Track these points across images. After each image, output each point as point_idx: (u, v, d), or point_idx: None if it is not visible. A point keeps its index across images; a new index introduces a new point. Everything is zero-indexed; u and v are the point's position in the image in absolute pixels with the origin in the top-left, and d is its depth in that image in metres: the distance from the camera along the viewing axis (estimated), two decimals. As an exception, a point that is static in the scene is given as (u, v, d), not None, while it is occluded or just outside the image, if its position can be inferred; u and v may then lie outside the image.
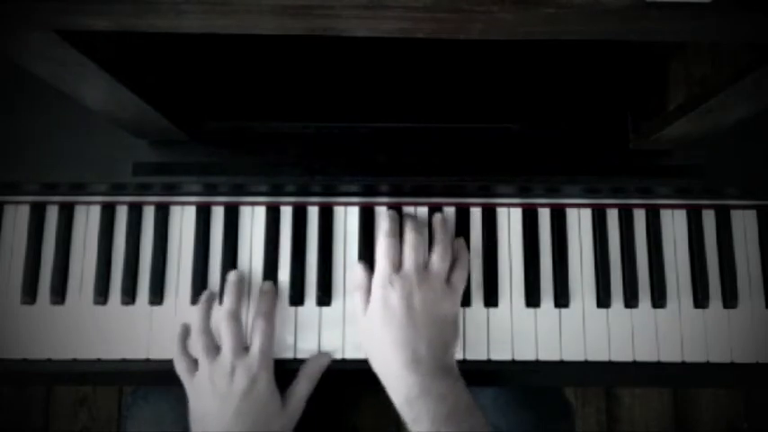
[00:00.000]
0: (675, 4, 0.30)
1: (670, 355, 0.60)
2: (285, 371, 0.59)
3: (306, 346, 0.60)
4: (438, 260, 0.58)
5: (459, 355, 0.59)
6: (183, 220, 0.62)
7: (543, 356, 0.60)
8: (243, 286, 0.60)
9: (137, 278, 0.61)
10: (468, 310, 0.61)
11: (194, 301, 0.60)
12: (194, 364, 0.58)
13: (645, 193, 0.60)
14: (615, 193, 0.60)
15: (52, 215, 0.62)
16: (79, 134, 0.56)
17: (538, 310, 0.61)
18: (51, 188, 0.59)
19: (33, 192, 0.60)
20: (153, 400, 0.66)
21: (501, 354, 0.60)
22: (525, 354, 0.60)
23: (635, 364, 0.60)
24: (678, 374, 0.61)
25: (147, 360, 0.60)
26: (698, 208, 0.63)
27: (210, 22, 0.32)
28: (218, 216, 0.62)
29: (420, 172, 0.57)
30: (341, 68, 0.59)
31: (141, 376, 0.61)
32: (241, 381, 0.55)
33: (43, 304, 0.61)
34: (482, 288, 0.61)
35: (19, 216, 0.62)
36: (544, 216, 0.63)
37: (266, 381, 0.56)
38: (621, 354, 0.60)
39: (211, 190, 0.59)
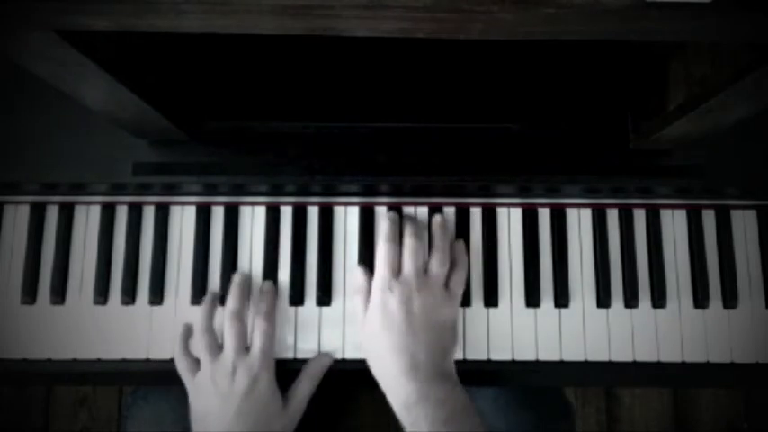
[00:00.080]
0: (675, 4, 0.30)
1: (670, 355, 0.60)
2: (286, 371, 0.59)
3: (306, 346, 0.60)
4: (437, 265, 0.58)
5: (459, 355, 0.59)
6: (183, 220, 0.62)
7: (543, 356, 0.60)
8: (247, 287, 0.60)
9: (137, 278, 0.61)
10: (468, 310, 0.61)
11: (194, 301, 0.60)
12: (196, 363, 0.58)
13: (645, 193, 0.60)
14: (615, 193, 0.60)
15: (52, 215, 0.62)
16: (79, 134, 0.56)
17: (538, 310, 0.61)
18: (51, 188, 0.59)
19: (33, 192, 0.60)
20: (153, 400, 0.66)
21: (501, 354, 0.60)
22: (525, 354, 0.60)
23: (635, 364, 0.60)
24: (678, 374, 0.61)
25: (147, 360, 0.60)
26: (698, 208, 0.63)
27: (210, 22, 0.32)
28: (218, 216, 0.62)
29: (420, 172, 0.57)
30: (341, 68, 0.59)
31: (141, 376, 0.61)
32: (242, 380, 0.55)
33: (43, 304, 0.61)
34: (482, 288, 0.61)
35: (19, 216, 0.62)
36: (544, 216, 0.63)
37: (267, 381, 0.56)
38: (621, 354, 0.60)
39: (211, 190, 0.59)
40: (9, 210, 0.62)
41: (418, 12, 0.30)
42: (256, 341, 0.57)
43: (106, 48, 0.39)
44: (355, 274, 0.61)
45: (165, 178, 0.57)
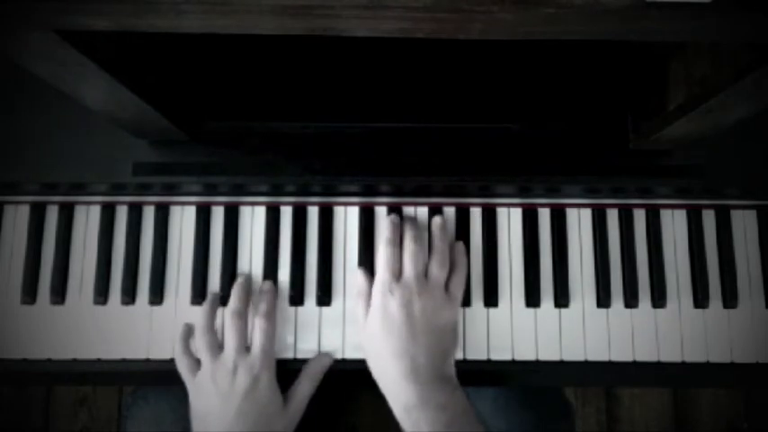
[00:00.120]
0: (675, 4, 0.30)
1: (670, 355, 0.60)
2: (286, 371, 0.59)
3: (306, 346, 0.60)
4: (437, 268, 0.58)
5: (459, 355, 0.59)
6: (183, 220, 0.62)
7: (543, 356, 0.60)
8: (249, 287, 0.60)
9: (137, 278, 0.61)
10: (468, 310, 0.61)
11: (194, 301, 0.60)
12: (196, 363, 0.58)
13: (645, 193, 0.60)
14: (615, 193, 0.60)
15: (52, 215, 0.62)
16: (79, 134, 0.56)
17: (538, 310, 0.61)
18: (51, 188, 0.59)
19: (33, 192, 0.60)
20: (153, 400, 0.66)
21: (501, 354, 0.60)
22: (525, 354, 0.60)
23: (635, 364, 0.60)
24: (678, 374, 0.61)
25: (147, 360, 0.60)
26: (698, 208, 0.63)
27: (210, 22, 0.32)
28: (218, 216, 0.62)
29: (420, 172, 0.57)
30: (341, 68, 0.59)
31: (141, 376, 0.61)
32: (243, 380, 0.55)
33: (43, 304, 0.61)
34: (482, 288, 0.61)
35: (19, 216, 0.62)
36: (544, 216, 0.63)
37: (268, 380, 0.56)
38: (621, 354, 0.60)
39: (211, 190, 0.59)
40: (9, 210, 0.62)
41: (418, 12, 0.30)
42: (257, 341, 0.57)
43: (106, 48, 0.39)
44: (356, 276, 0.61)
45: (165, 178, 0.57)
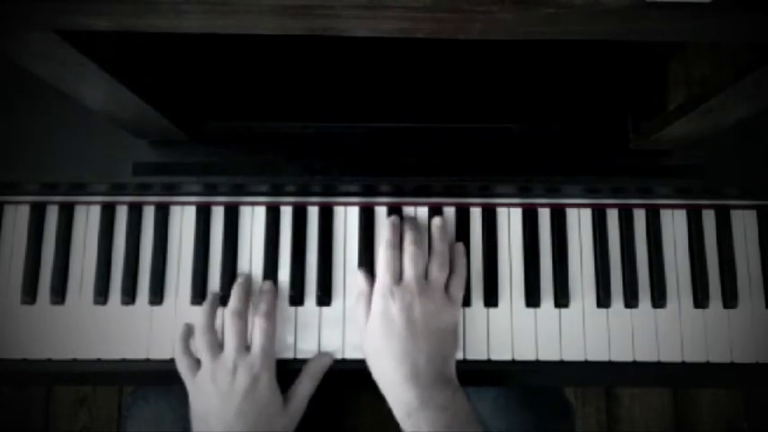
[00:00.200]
0: (675, 4, 0.30)
1: (670, 355, 0.60)
2: (286, 371, 0.59)
3: (306, 346, 0.60)
4: (437, 270, 0.58)
5: (459, 356, 0.59)
6: (183, 220, 0.62)
7: (543, 356, 0.60)
8: (249, 288, 0.60)
9: (137, 278, 0.61)
10: (468, 310, 0.61)
11: (194, 301, 0.60)
12: (196, 363, 0.58)
13: (645, 193, 0.60)
14: (615, 193, 0.60)
15: (52, 215, 0.62)
16: (79, 134, 0.56)
17: (538, 310, 0.61)
18: (51, 188, 0.59)
19: (33, 192, 0.60)
20: (153, 400, 0.66)
21: (501, 354, 0.60)
22: (525, 354, 0.60)
23: (635, 364, 0.60)
24: (678, 374, 0.61)
25: (147, 360, 0.60)
26: (698, 208, 0.63)
27: (210, 22, 0.32)
28: (218, 216, 0.62)
29: (420, 172, 0.57)
30: (341, 68, 0.59)
31: (141, 376, 0.61)
32: (243, 380, 0.55)
33: (43, 304, 0.61)
34: (482, 288, 0.61)
35: (19, 216, 0.62)
36: (544, 216, 0.63)
37: (268, 380, 0.56)
38: (621, 354, 0.60)
39: (211, 190, 0.59)
40: (9, 210, 0.62)
41: (418, 12, 0.30)
42: (257, 341, 0.57)
43: (106, 48, 0.39)
44: (357, 278, 0.61)
45: (165, 178, 0.57)
